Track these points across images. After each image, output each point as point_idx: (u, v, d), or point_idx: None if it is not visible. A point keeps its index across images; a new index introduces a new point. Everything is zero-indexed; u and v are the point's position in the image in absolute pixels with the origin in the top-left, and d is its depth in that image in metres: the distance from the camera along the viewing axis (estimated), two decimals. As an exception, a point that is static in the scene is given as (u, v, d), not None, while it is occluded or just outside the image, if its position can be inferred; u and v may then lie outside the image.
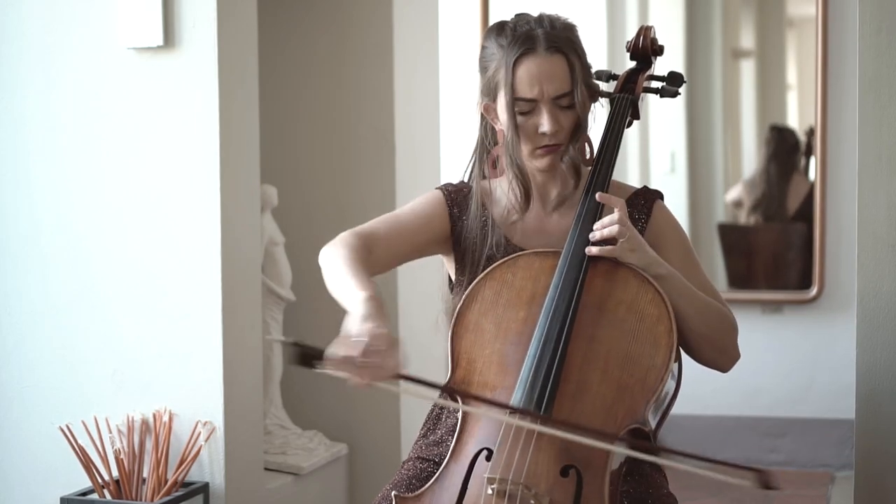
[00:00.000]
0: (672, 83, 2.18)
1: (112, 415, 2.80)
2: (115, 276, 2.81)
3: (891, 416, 2.16)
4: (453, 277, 2.16)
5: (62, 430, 2.75)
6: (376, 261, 2.02)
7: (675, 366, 1.97)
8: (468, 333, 1.95)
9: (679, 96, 2.21)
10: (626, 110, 2.11)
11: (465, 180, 2.16)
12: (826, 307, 4.34)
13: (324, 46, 3.41)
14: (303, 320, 3.41)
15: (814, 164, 4.33)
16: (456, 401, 1.93)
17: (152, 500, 2.69)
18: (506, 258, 2.02)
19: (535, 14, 2.05)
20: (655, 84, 2.19)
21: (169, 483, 2.68)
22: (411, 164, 3.50)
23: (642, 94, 2.15)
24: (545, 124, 1.99)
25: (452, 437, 1.94)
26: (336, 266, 1.96)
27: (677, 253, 2.07)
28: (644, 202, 2.10)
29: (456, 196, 2.12)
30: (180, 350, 2.77)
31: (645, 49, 2.18)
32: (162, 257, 2.78)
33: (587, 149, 2.07)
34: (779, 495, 3.89)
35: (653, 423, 1.91)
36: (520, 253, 2.03)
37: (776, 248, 4.58)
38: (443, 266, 2.20)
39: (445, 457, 1.92)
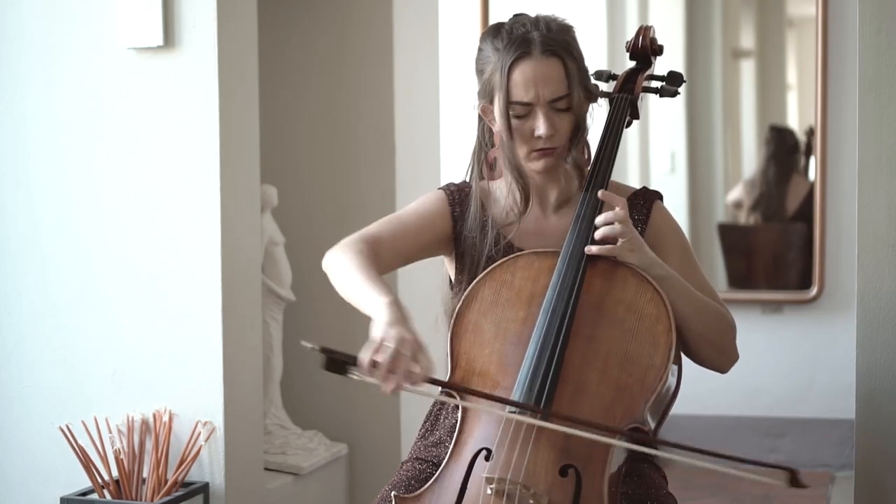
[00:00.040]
0: (671, 83, 2.18)
1: (112, 415, 2.80)
2: (115, 276, 2.81)
3: (891, 416, 2.15)
4: (453, 278, 2.16)
5: (62, 430, 2.75)
6: (382, 263, 2.02)
7: (674, 366, 1.97)
8: (467, 334, 1.95)
9: (679, 96, 2.21)
10: (625, 110, 2.11)
11: (467, 180, 2.16)
12: (826, 307, 4.34)
13: (324, 46, 3.41)
14: (303, 320, 3.41)
15: (814, 164, 4.33)
16: (455, 398, 1.92)
17: (152, 500, 2.69)
18: (505, 258, 2.02)
19: (532, 15, 2.04)
20: (655, 84, 2.19)
21: (169, 483, 2.68)
22: (411, 164, 3.50)
23: (642, 94, 2.15)
24: (541, 128, 1.98)
25: (451, 438, 1.94)
26: (348, 272, 1.96)
27: (676, 254, 2.07)
28: (643, 203, 2.10)
29: (458, 196, 2.12)
30: (180, 350, 2.77)
31: (644, 49, 2.17)
32: (162, 257, 2.78)
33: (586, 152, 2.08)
34: (779, 495, 3.89)
35: (652, 423, 1.91)
36: (519, 253, 2.03)
37: (776, 248, 4.59)
38: (442, 266, 2.20)
39: (444, 458, 1.92)
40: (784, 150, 4.51)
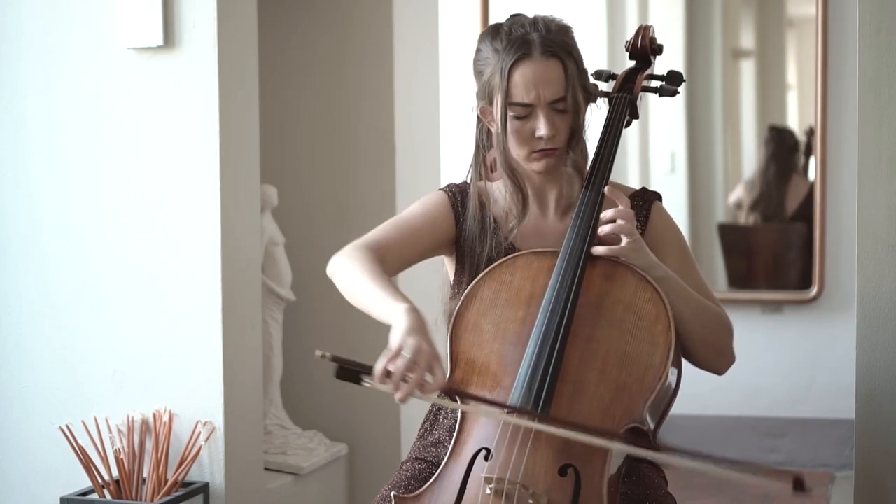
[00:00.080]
0: (671, 82, 2.17)
1: (112, 415, 2.80)
2: (115, 276, 2.81)
3: (891, 416, 2.15)
4: (452, 278, 2.16)
5: (62, 430, 2.75)
6: (389, 268, 2.02)
7: (674, 368, 1.96)
8: (467, 334, 1.95)
9: (679, 96, 2.21)
10: (624, 110, 2.11)
11: (468, 181, 2.16)
12: (826, 307, 4.34)
13: (324, 46, 3.41)
14: (303, 320, 3.41)
15: (814, 164, 4.33)
16: (455, 401, 1.93)
17: (152, 500, 2.69)
18: (504, 258, 2.02)
19: (530, 16, 2.04)
20: (654, 83, 2.19)
21: (169, 483, 2.69)
22: (411, 164, 3.50)
23: (641, 94, 2.15)
24: (542, 128, 1.99)
25: (450, 438, 1.94)
26: (358, 279, 1.95)
27: (675, 255, 2.07)
28: (642, 203, 2.10)
29: (460, 197, 2.12)
30: (180, 350, 2.77)
31: (644, 48, 2.17)
32: (162, 257, 2.78)
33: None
34: (779, 495, 3.89)
35: (651, 423, 1.91)
36: (518, 253, 2.03)
37: (776, 248, 4.59)
38: (442, 266, 2.20)
39: (443, 457, 1.92)
40: (784, 150, 4.51)
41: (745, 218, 4.63)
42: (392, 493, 1.90)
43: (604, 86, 2.17)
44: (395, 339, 1.79)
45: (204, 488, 2.74)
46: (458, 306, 1.98)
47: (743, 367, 4.39)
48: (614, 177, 2.07)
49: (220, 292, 2.73)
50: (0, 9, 2.85)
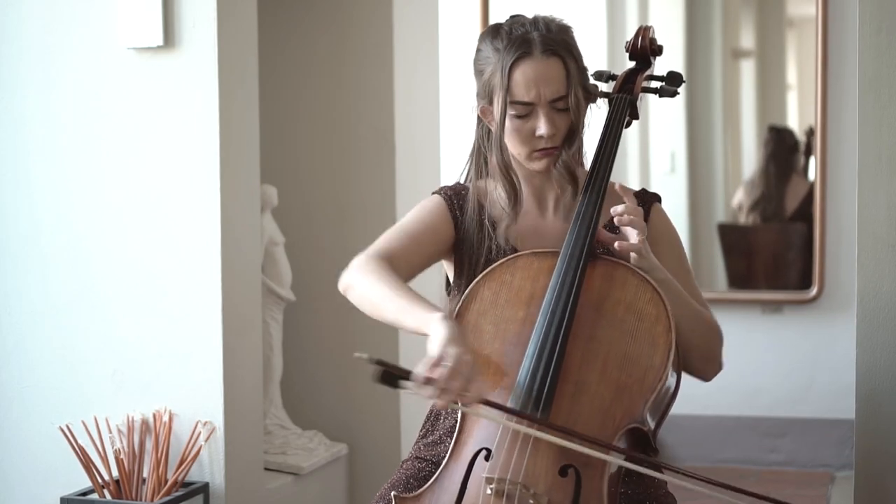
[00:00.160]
0: (671, 83, 2.17)
1: (112, 415, 2.80)
2: (115, 276, 2.81)
3: (891, 416, 2.15)
4: (451, 279, 2.16)
5: (62, 430, 2.75)
6: (400, 278, 2.01)
7: (674, 369, 1.96)
8: (467, 334, 1.95)
9: (678, 96, 2.20)
10: (624, 110, 2.11)
11: (462, 182, 2.16)
12: (826, 307, 4.34)
13: (324, 46, 3.41)
14: (303, 320, 3.41)
15: (814, 164, 4.33)
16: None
17: (152, 500, 2.69)
18: (504, 259, 2.02)
19: (530, 16, 2.04)
20: (654, 84, 2.19)
21: (169, 483, 2.68)
22: (411, 164, 3.50)
23: (641, 94, 2.15)
24: (542, 127, 1.99)
25: (451, 438, 1.94)
26: (381, 292, 1.94)
27: (672, 258, 2.07)
28: (642, 204, 2.09)
29: (456, 200, 2.12)
30: (180, 350, 2.77)
31: (644, 49, 2.17)
32: (162, 257, 2.78)
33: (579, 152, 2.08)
34: (779, 495, 3.88)
35: (652, 423, 1.91)
36: (518, 253, 2.03)
37: (776, 248, 4.58)
38: (442, 266, 2.20)
39: (443, 457, 1.92)
40: (784, 150, 4.51)
41: (745, 218, 4.63)
42: (392, 493, 1.90)
43: (604, 86, 2.17)
44: (435, 348, 1.78)
45: (204, 488, 2.74)
46: (457, 306, 1.98)
47: (743, 367, 4.39)
48: (614, 177, 2.07)
49: (220, 292, 2.73)
50: (0, 9, 2.85)
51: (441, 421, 2.11)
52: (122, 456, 2.73)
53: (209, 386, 2.75)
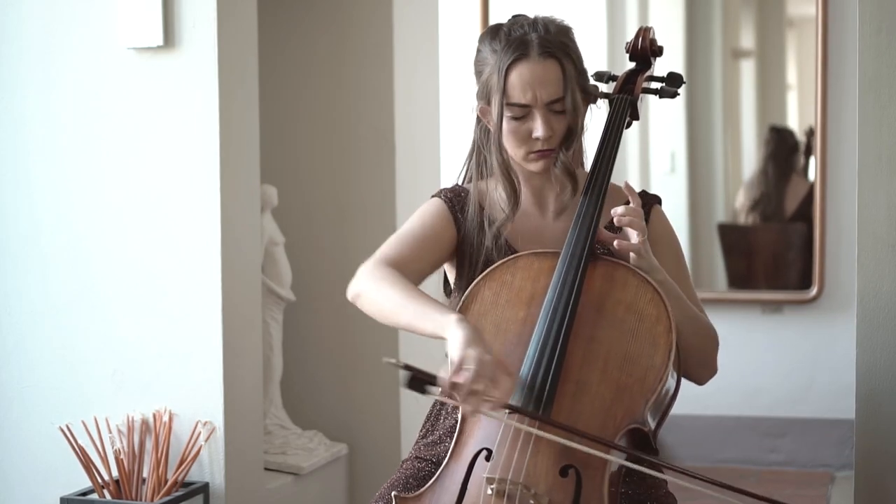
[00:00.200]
0: (671, 84, 2.17)
1: (112, 415, 2.80)
2: (115, 276, 2.81)
3: (891, 416, 2.15)
4: (451, 280, 2.15)
5: (62, 430, 2.75)
6: None
7: (674, 370, 1.96)
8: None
9: (678, 97, 2.20)
10: (624, 111, 2.11)
11: (460, 183, 2.16)
12: (826, 307, 4.34)
13: (324, 46, 3.41)
14: (303, 320, 3.41)
15: (814, 164, 4.33)
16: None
17: (152, 500, 2.69)
18: (505, 259, 2.02)
19: (530, 17, 2.04)
20: (655, 85, 2.19)
21: (169, 483, 2.69)
22: (411, 164, 3.50)
23: (641, 95, 2.15)
24: (539, 130, 1.98)
25: (451, 438, 1.94)
26: (394, 299, 1.93)
27: (670, 261, 2.07)
28: (642, 206, 2.09)
29: (456, 202, 2.11)
30: (180, 350, 2.77)
31: (644, 50, 2.17)
32: (162, 257, 2.78)
33: (578, 154, 2.08)
34: (779, 495, 3.89)
35: (652, 424, 1.91)
36: (519, 254, 2.03)
37: (776, 248, 4.58)
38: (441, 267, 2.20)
39: (443, 457, 1.92)
40: (784, 150, 4.51)
41: (744, 218, 4.63)
42: (392, 493, 1.90)
43: (604, 87, 2.17)
44: (456, 351, 1.78)
45: (204, 488, 2.74)
46: (458, 307, 1.98)
47: (743, 367, 4.39)
48: (614, 177, 2.07)
49: (220, 292, 2.73)
50: (0, 9, 2.85)
51: (441, 421, 2.11)
52: (122, 456, 2.73)
53: (209, 386, 2.75)
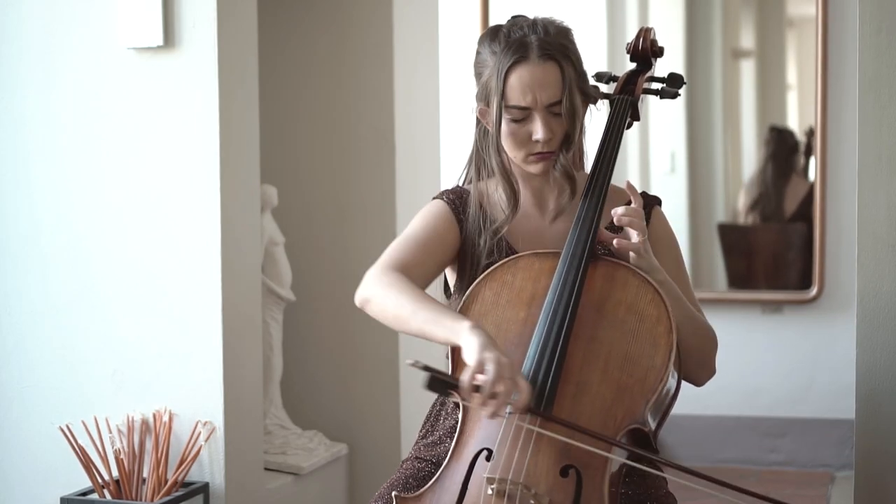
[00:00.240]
0: (672, 84, 2.18)
1: (112, 415, 2.80)
2: (115, 276, 2.81)
3: (891, 416, 2.15)
4: (451, 281, 2.15)
5: (62, 430, 2.75)
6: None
7: (675, 370, 1.96)
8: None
9: (679, 97, 2.20)
10: (625, 112, 2.11)
11: (461, 184, 2.16)
12: (826, 307, 4.34)
13: (324, 46, 3.41)
14: (303, 320, 3.41)
15: (814, 164, 4.33)
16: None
17: (152, 500, 2.69)
18: (506, 259, 2.02)
19: (530, 18, 2.03)
20: (655, 85, 2.19)
21: (169, 483, 2.68)
22: (411, 164, 3.50)
23: (642, 96, 2.15)
24: (538, 132, 1.98)
25: (451, 438, 1.94)
26: (405, 305, 1.92)
27: (670, 262, 2.07)
28: (642, 207, 2.09)
29: (458, 203, 2.11)
30: (180, 350, 2.77)
31: (645, 51, 2.17)
32: (162, 257, 2.78)
33: (579, 155, 2.08)
34: (779, 495, 3.89)
35: (653, 424, 1.91)
36: (520, 254, 2.03)
37: (776, 248, 4.58)
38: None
39: (443, 457, 1.92)
40: (784, 150, 4.51)
41: (744, 218, 4.63)
42: (392, 493, 1.90)
43: (604, 88, 2.17)
44: (472, 356, 1.78)
45: (204, 488, 2.74)
46: (459, 307, 1.98)
47: (743, 367, 4.39)
48: (615, 178, 2.07)
49: (220, 292, 2.73)
50: (0, 9, 2.85)
51: (441, 421, 2.11)
52: (122, 456, 2.73)
53: (209, 386, 2.75)
